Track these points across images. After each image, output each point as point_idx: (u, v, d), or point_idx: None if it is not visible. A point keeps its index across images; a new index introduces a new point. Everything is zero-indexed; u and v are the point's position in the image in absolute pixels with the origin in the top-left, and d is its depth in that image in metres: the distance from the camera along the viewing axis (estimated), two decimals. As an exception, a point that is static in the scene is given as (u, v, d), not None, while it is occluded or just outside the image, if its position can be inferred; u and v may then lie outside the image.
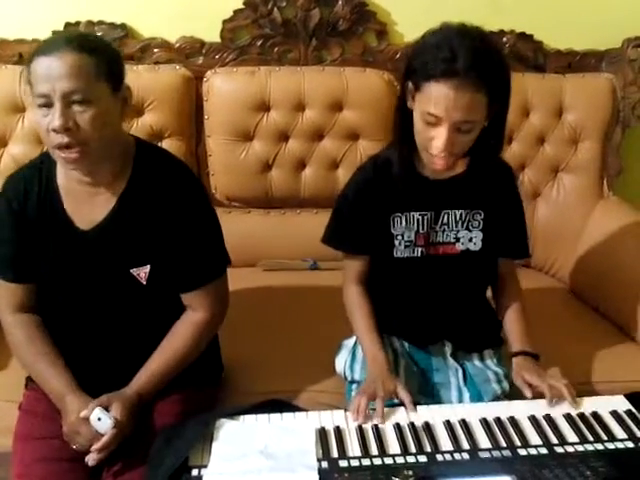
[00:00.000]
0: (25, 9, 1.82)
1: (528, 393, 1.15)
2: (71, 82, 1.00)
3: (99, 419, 1.04)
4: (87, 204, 1.13)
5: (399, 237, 1.23)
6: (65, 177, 1.14)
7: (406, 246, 1.23)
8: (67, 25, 1.82)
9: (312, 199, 1.88)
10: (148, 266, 1.14)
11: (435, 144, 1.09)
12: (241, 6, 1.84)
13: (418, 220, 1.22)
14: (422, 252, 1.24)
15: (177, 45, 1.85)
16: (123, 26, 1.83)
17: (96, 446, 1.05)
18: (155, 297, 1.17)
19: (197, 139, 1.86)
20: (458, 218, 1.23)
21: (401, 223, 1.22)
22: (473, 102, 1.06)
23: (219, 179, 1.87)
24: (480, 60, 1.05)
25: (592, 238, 1.80)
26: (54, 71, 1.00)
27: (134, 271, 1.14)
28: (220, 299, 1.22)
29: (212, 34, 1.85)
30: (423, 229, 1.23)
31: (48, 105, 1.02)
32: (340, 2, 1.84)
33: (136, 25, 1.85)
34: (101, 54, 1.05)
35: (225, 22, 1.85)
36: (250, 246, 1.84)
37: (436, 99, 1.06)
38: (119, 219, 1.13)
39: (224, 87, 1.82)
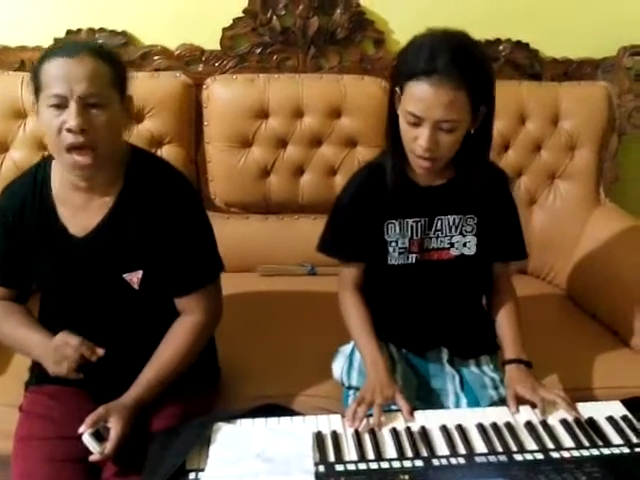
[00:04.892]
0: (27, 16, 1.84)
1: (513, 407, 1.13)
2: (90, 86, 1.03)
3: (88, 441, 1.04)
4: (81, 211, 1.14)
5: (393, 244, 1.23)
6: (60, 185, 1.15)
7: (400, 253, 1.23)
8: (69, 32, 1.83)
9: (310, 205, 1.89)
10: (140, 271, 1.15)
11: (418, 143, 1.11)
12: (241, 14, 1.86)
13: (412, 226, 1.23)
14: (416, 259, 1.24)
15: (177, 52, 1.87)
16: (124, 34, 1.85)
17: (92, 457, 1.05)
18: (148, 302, 1.18)
19: (196, 145, 1.87)
20: (452, 223, 1.24)
21: (395, 230, 1.23)
22: (453, 100, 1.06)
23: (218, 185, 1.88)
24: (460, 58, 1.06)
25: (589, 245, 1.81)
26: (73, 73, 1.03)
27: (127, 276, 1.15)
28: (213, 303, 1.22)
29: (212, 42, 1.87)
30: (417, 235, 1.23)
31: (61, 106, 1.03)
32: (338, 10, 1.86)
33: (137, 33, 1.87)
34: (114, 63, 1.09)
35: (225, 30, 1.87)
36: (248, 251, 1.84)
37: (416, 97, 1.08)
38: (112, 225, 1.14)
39: (223, 94, 1.83)
